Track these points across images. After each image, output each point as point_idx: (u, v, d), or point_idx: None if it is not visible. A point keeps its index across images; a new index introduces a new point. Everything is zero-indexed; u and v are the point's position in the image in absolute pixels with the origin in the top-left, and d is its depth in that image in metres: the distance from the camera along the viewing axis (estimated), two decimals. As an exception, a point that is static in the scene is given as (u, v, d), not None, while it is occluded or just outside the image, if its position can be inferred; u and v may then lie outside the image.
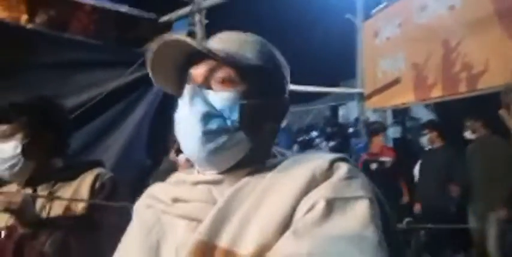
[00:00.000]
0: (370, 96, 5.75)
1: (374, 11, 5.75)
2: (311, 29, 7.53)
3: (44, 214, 1.25)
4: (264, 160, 0.67)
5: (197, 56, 0.65)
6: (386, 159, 4.22)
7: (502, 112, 1.47)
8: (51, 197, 1.24)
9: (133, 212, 0.73)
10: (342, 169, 0.62)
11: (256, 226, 0.57)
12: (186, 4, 2.83)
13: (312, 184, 0.59)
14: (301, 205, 0.57)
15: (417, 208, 4.09)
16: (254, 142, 0.66)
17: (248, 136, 0.65)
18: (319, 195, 0.57)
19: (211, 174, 0.67)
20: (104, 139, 2.02)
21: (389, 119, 6.22)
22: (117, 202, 1.25)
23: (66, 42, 2.15)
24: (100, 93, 2.02)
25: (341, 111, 9.64)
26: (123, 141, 2.00)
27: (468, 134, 3.75)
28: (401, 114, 6.23)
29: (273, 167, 0.65)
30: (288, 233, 0.55)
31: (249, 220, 0.58)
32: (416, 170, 4.31)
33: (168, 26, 2.83)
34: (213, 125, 0.63)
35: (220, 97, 0.64)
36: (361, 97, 6.04)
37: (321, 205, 0.56)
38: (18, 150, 1.25)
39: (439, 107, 5.31)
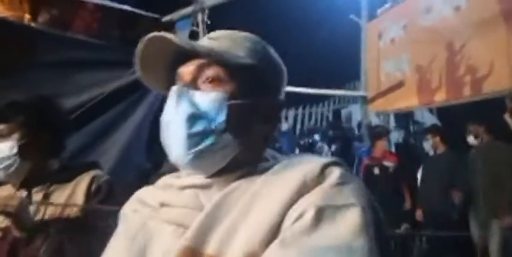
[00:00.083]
0: (373, 99, 5.72)
1: (379, 11, 5.72)
2: (315, 30, 7.52)
3: (39, 216, 1.23)
4: (255, 163, 0.64)
5: (186, 55, 0.62)
6: (389, 164, 4.19)
7: (507, 117, 1.44)
8: (46, 203, 1.22)
9: (121, 217, 0.70)
10: (334, 174, 0.59)
11: (244, 233, 0.55)
12: (188, 4, 2.82)
13: (302, 190, 0.56)
14: (291, 212, 0.55)
15: (419, 213, 4.06)
16: (243, 144, 0.63)
17: (236, 138, 0.62)
18: (309, 202, 0.55)
19: (199, 178, 0.64)
20: (104, 140, 2.00)
21: (392, 123, 6.19)
22: (113, 205, 1.23)
23: (67, 41, 2.13)
24: (100, 93, 2.00)
25: (344, 115, 9.61)
26: (122, 143, 1.98)
27: (471, 139, 3.71)
28: (404, 118, 6.20)
29: (263, 171, 0.62)
30: (275, 243, 0.53)
31: (236, 227, 0.56)
32: (418, 175, 4.28)
33: (170, 26, 2.82)
34: (199, 127, 0.60)
35: (207, 98, 0.61)
36: (365, 100, 6.01)
37: (310, 213, 0.53)
38: (15, 150, 1.24)
39: (442, 111, 5.28)
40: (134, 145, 2.07)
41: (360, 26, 6.14)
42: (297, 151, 7.00)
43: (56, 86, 1.89)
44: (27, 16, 2.45)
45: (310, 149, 6.44)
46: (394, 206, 4.07)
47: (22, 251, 1.15)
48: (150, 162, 2.18)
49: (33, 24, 2.39)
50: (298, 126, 10.25)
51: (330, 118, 9.88)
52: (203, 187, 0.63)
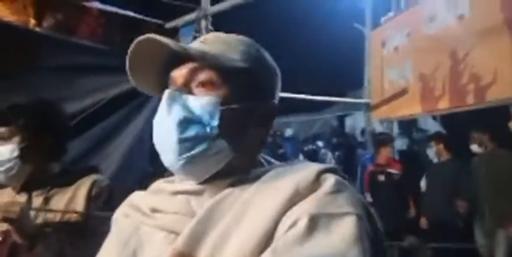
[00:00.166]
0: (376, 106, 5.71)
1: (382, 20, 5.73)
2: (319, 37, 7.54)
3: (40, 219, 1.23)
4: (249, 168, 0.63)
5: (179, 58, 0.61)
6: (394, 171, 4.17)
7: (512, 125, 1.43)
8: (46, 210, 1.22)
9: (113, 222, 0.69)
10: (329, 181, 0.57)
11: (237, 240, 0.53)
12: (192, 10, 2.84)
13: (296, 198, 0.55)
14: (284, 220, 0.53)
15: (423, 222, 4.02)
16: (237, 150, 0.62)
17: (230, 143, 0.61)
18: (303, 210, 0.53)
19: (190, 184, 0.63)
20: (106, 145, 2.00)
21: (396, 131, 6.17)
22: (113, 210, 1.22)
23: (71, 46, 2.14)
24: (103, 98, 2.01)
25: (348, 122, 9.59)
26: (125, 147, 1.97)
27: (474, 147, 3.69)
28: (407, 125, 6.18)
29: (256, 177, 0.60)
30: (267, 251, 0.51)
31: (229, 233, 0.54)
32: (422, 183, 4.25)
33: (174, 32, 2.83)
34: (191, 132, 0.58)
35: (200, 102, 0.60)
36: (368, 108, 6.00)
37: (303, 222, 0.52)
38: (15, 153, 1.24)
39: (446, 119, 5.26)
40: (137, 149, 2.07)
41: (363, 34, 6.16)
42: (301, 157, 6.99)
43: (59, 90, 1.90)
44: (32, 21, 2.47)
45: (314, 155, 6.42)
46: (398, 213, 4.05)
47: (23, 256, 1.15)
48: (153, 167, 2.17)
49: (37, 29, 2.41)
50: (302, 132, 10.24)
51: (334, 125, 9.86)
52: (195, 193, 0.62)
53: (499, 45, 3.48)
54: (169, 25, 2.88)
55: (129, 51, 0.61)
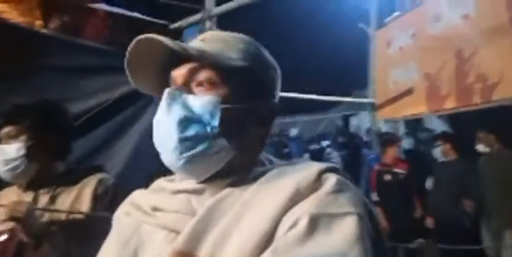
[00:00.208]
0: (381, 106, 5.69)
1: (387, 20, 5.72)
2: (324, 37, 7.53)
3: (46, 218, 1.24)
4: (250, 168, 0.63)
5: (179, 58, 0.61)
6: (400, 171, 4.15)
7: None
8: (51, 211, 1.23)
9: (114, 220, 0.69)
10: (330, 180, 0.56)
11: (237, 239, 0.53)
12: (196, 11, 2.85)
13: (296, 197, 0.55)
14: (284, 220, 0.53)
15: (429, 222, 4.00)
16: (237, 149, 0.61)
17: (230, 143, 0.60)
18: (303, 210, 0.53)
19: (191, 183, 0.63)
20: (111, 145, 2.01)
21: (401, 130, 6.14)
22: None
23: (76, 47, 2.16)
24: (108, 98, 2.02)
25: (353, 121, 9.57)
26: (130, 147, 1.98)
27: (480, 147, 3.66)
28: (413, 125, 6.15)
29: (257, 177, 0.60)
30: (267, 252, 0.51)
31: (230, 231, 0.54)
32: (428, 182, 4.23)
33: (179, 33, 2.85)
34: (191, 131, 0.58)
35: (200, 101, 0.59)
36: (373, 107, 5.99)
37: (303, 222, 0.51)
38: (22, 152, 1.26)
39: (452, 118, 5.23)
40: (142, 149, 2.08)
41: (368, 34, 6.14)
42: (306, 156, 6.98)
43: (64, 90, 1.92)
44: (38, 22, 2.50)
45: (319, 155, 6.41)
46: (404, 213, 4.04)
47: (30, 255, 1.16)
48: (158, 166, 2.18)
49: (44, 30, 2.44)
50: (307, 132, 10.22)
51: (339, 125, 9.84)
52: (195, 192, 0.62)
53: (505, 45, 3.46)
54: (173, 26, 2.89)
55: (127, 51, 0.61)
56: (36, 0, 2.55)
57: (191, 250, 0.54)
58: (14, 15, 2.53)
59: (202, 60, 0.60)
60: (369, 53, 6.13)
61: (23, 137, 1.27)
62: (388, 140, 4.44)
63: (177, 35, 2.83)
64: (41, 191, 1.29)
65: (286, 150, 6.59)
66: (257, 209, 0.55)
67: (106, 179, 1.34)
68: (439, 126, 5.76)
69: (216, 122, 0.59)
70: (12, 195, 1.31)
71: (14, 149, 1.25)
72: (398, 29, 5.36)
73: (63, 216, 1.25)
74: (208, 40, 0.64)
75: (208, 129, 0.59)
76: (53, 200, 1.27)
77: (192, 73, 0.61)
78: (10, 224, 1.20)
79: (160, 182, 0.68)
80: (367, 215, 0.55)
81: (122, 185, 1.37)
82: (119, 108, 2.01)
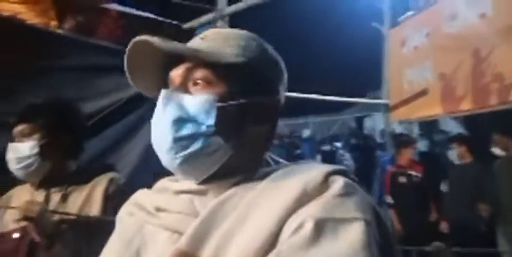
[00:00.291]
0: (395, 107, 5.61)
1: (401, 18, 5.65)
2: (337, 37, 7.47)
3: (57, 216, 1.25)
4: (253, 168, 0.61)
5: (178, 58, 0.61)
6: (415, 173, 4.09)
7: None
8: (62, 213, 1.23)
9: (117, 220, 0.69)
10: (338, 183, 0.55)
11: (242, 240, 0.52)
12: (209, 11, 2.85)
13: (302, 200, 0.53)
14: (289, 223, 0.51)
15: (444, 226, 3.93)
16: (236, 148, 0.60)
17: (228, 142, 0.59)
18: (309, 213, 0.51)
19: (195, 183, 0.62)
20: (123, 145, 2.02)
21: (416, 132, 6.06)
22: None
23: (90, 47, 2.18)
24: (121, 98, 2.03)
25: (367, 123, 9.49)
26: (141, 147, 1.98)
27: (497, 150, 3.58)
28: (428, 127, 6.06)
29: (262, 177, 0.59)
30: (271, 255, 0.50)
31: (233, 233, 0.53)
32: (444, 186, 4.16)
33: (191, 33, 2.85)
34: (186, 131, 0.58)
35: (196, 101, 0.59)
36: (387, 108, 5.92)
37: (309, 226, 0.50)
38: (35, 150, 1.27)
39: (468, 120, 5.13)
40: (152, 150, 2.08)
41: (381, 33, 6.07)
42: (318, 158, 6.94)
43: (77, 90, 1.93)
44: (53, 23, 2.53)
45: (332, 156, 6.37)
46: (419, 216, 3.98)
47: (42, 255, 1.17)
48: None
49: (59, 31, 2.47)
50: (320, 133, 10.17)
51: (352, 126, 9.77)
52: (199, 192, 0.61)
53: (524, 44, 3.38)
54: (186, 26, 2.90)
55: (126, 54, 0.61)
56: (50, 1, 2.58)
57: (194, 251, 0.53)
58: (30, 16, 2.56)
59: (197, 59, 0.60)
60: (383, 52, 6.06)
61: (37, 136, 1.29)
62: (403, 141, 4.38)
63: (189, 35, 2.84)
64: (53, 189, 1.30)
65: (298, 151, 6.56)
66: (262, 210, 0.54)
67: (117, 178, 1.35)
68: (454, 128, 5.66)
69: (211, 121, 0.58)
70: (25, 193, 1.32)
71: (28, 147, 1.27)
72: (412, 28, 5.29)
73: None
74: (206, 38, 0.64)
75: (203, 128, 0.58)
76: (64, 198, 1.28)
77: (188, 73, 0.61)
78: (22, 224, 1.21)
79: (163, 182, 0.68)
80: (375, 220, 0.53)
81: (132, 184, 1.37)
82: (131, 108, 2.01)
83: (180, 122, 0.58)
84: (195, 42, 0.64)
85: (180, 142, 0.58)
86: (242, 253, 0.51)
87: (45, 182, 1.31)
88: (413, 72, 5.23)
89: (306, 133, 8.68)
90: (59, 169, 1.33)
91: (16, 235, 1.22)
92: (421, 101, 5.00)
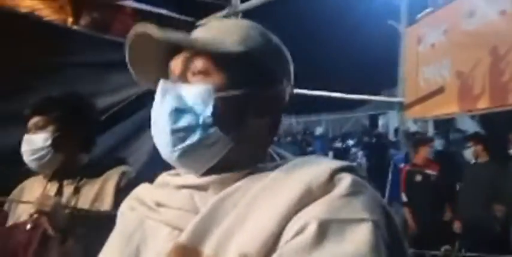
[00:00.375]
0: (411, 105, 5.54)
1: (418, 16, 5.55)
2: (353, 34, 7.41)
3: (71, 206, 1.26)
4: (256, 163, 0.59)
5: (178, 48, 0.59)
6: (432, 172, 4.04)
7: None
8: (74, 209, 1.25)
9: (118, 215, 0.68)
10: (345, 181, 0.51)
11: (242, 239, 0.50)
12: (222, 7, 2.85)
13: (306, 199, 0.50)
14: (291, 224, 0.49)
15: (457, 226, 3.87)
16: (236, 140, 0.58)
17: (227, 134, 0.57)
18: (312, 215, 0.48)
19: (195, 178, 0.60)
20: (135, 139, 2.04)
21: (431, 131, 5.97)
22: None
23: (105, 43, 2.20)
24: (132, 94, 2.05)
25: (381, 121, 9.38)
26: (151, 143, 2.00)
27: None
28: (444, 125, 5.97)
29: (265, 173, 0.56)
30: None
31: (233, 233, 0.51)
32: (460, 185, 4.10)
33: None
34: (183, 122, 0.56)
35: (194, 91, 0.57)
36: (402, 106, 5.84)
37: (312, 228, 0.47)
38: (48, 142, 1.29)
39: (485, 119, 5.03)
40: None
41: (398, 31, 5.99)
42: (331, 155, 6.90)
43: (92, 85, 1.96)
44: (69, 19, 2.57)
45: (344, 154, 6.33)
46: (434, 216, 3.93)
47: (55, 249, 1.19)
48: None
49: (75, 27, 2.51)
50: (333, 131, 10.11)
51: (366, 124, 9.68)
52: (199, 187, 0.59)
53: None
54: (200, 23, 2.90)
55: (126, 45, 0.60)
56: (67, -2, 2.62)
57: (195, 246, 0.52)
58: (48, 12, 2.61)
59: (194, 48, 0.58)
60: (399, 50, 5.98)
61: (50, 128, 1.31)
62: (420, 140, 4.33)
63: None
64: (65, 182, 1.32)
65: (310, 148, 6.54)
66: (262, 209, 0.51)
67: (129, 172, 1.36)
68: (471, 126, 5.56)
69: (208, 112, 0.56)
70: (37, 185, 1.34)
71: (41, 139, 1.29)
72: (430, 25, 5.20)
73: (86, 206, 1.27)
74: (206, 27, 0.62)
75: (201, 119, 0.56)
76: (77, 191, 1.30)
77: (187, 62, 0.59)
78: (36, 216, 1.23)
79: (164, 177, 0.66)
80: (384, 220, 0.50)
81: (142, 180, 1.38)
82: (142, 104, 2.03)
83: (177, 113, 0.56)
84: (196, 32, 0.62)
85: (178, 134, 0.56)
86: (242, 253, 0.49)
87: (58, 175, 1.33)
88: (430, 70, 5.15)
89: (319, 130, 8.63)
90: (71, 162, 1.35)
91: (29, 226, 1.24)
92: (437, 99, 4.92)
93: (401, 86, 5.95)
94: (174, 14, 2.87)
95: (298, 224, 0.48)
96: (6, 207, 1.36)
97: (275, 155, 0.63)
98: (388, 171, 4.87)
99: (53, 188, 1.31)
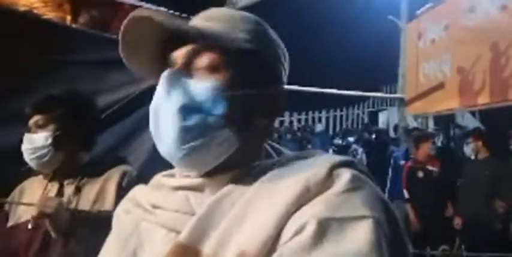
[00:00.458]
0: (411, 101, 5.54)
1: (419, 11, 5.54)
2: (352, 30, 7.38)
3: (72, 206, 1.26)
4: (253, 161, 0.57)
5: (181, 38, 0.55)
6: (433, 168, 4.04)
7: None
8: (75, 210, 1.24)
9: (114, 217, 0.65)
10: (344, 177, 0.49)
11: (240, 239, 0.49)
12: (222, 4, 2.84)
13: (304, 197, 0.48)
14: (290, 224, 0.47)
15: (457, 222, 3.88)
16: (242, 140, 0.55)
17: (235, 133, 0.54)
18: (311, 214, 0.46)
19: (191, 179, 0.58)
20: (136, 137, 2.03)
21: (431, 127, 5.97)
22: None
23: (104, 41, 2.19)
24: (131, 93, 2.04)
25: (381, 118, 9.38)
26: (151, 141, 1.99)
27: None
28: (444, 121, 5.96)
29: (261, 172, 0.54)
30: None
31: (231, 234, 0.49)
32: (460, 181, 4.10)
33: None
34: (193, 120, 0.52)
35: (203, 87, 0.53)
36: (402, 103, 5.83)
37: (311, 227, 0.45)
38: (49, 141, 1.28)
39: (486, 115, 5.03)
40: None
41: (398, 26, 5.97)
42: (331, 152, 6.90)
43: (92, 84, 1.95)
44: (68, 17, 2.56)
45: (345, 151, 6.32)
46: (436, 212, 3.94)
47: (56, 250, 1.18)
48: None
49: (74, 25, 2.50)
50: (332, 128, 10.11)
51: (366, 120, 9.68)
52: (195, 189, 0.57)
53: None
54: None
55: (121, 29, 0.55)
56: (65, -5, 2.61)
57: (195, 246, 0.51)
58: (46, 11, 2.60)
59: (204, 41, 0.54)
60: (399, 46, 5.97)
61: (51, 127, 1.30)
62: (421, 136, 4.32)
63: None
64: (66, 181, 1.31)
65: (309, 146, 6.53)
66: (260, 209, 0.50)
67: (130, 171, 1.35)
68: (471, 122, 5.56)
69: (220, 111, 0.53)
70: (38, 185, 1.34)
71: (42, 138, 1.28)
72: (430, 21, 5.19)
73: (87, 207, 1.27)
74: (210, 18, 0.57)
75: (211, 118, 0.53)
76: (78, 190, 1.29)
77: (193, 55, 0.55)
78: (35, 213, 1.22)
79: (159, 178, 0.64)
80: (385, 216, 0.48)
81: (145, 177, 1.37)
82: (142, 102, 2.02)
83: (187, 109, 0.53)
84: (198, 22, 0.57)
85: (186, 133, 0.52)
86: (241, 251, 0.47)
87: (58, 174, 1.32)
88: (430, 65, 5.14)
89: (319, 127, 8.62)
90: (72, 161, 1.34)
91: (30, 226, 1.24)
92: (438, 94, 4.93)
93: (401, 82, 5.95)
94: (172, 11, 2.86)
95: (297, 224, 0.47)
96: (6, 207, 1.35)
97: (271, 151, 0.61)
98: (388, 167, 4.87)
99: (53, 188, 1.31)
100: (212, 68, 0.55)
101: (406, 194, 4.11)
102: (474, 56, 4.19)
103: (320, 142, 7.38)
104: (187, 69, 0.55)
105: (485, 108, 4.37)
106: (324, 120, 10.23)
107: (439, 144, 5.55)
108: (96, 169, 1.33)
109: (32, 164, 1.29)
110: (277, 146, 0.63)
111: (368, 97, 8.53)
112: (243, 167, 0.56)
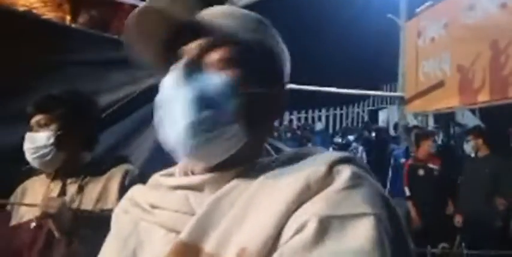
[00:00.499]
0: (411, 99, 5.54)
1: (418, 10, 5.54)
2: (352, 29, 7.38)
3: (75, 205, 1.26)
4: (255, 159, 0.57)
5: (191, 30, 0.55)
6: (434, 166, 4.05)
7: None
8: (78, 210, 1.25)
9: (113, 217, 0.65)
10: (344, 174, 0.49)
11: (240, 239, 0.48)
12: (222, 2, 2.84)
13: (305, 195, 0.48)
14: (291, 223, 0.47)
15: (458, 219, 3.89)
16: (249, 136, 0.55)
17: (244, 129, 0.55)
18: (312, 212, 0.46)
19: (190, 178, 0.58)
20: (136, 136, 2.03)
21: (431, 125, 5.97)
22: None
23: (104, 41, 2.19)
24: (132, 92, 2.04)
25: (381, 116, 9.39)
26: (152, 141, 1.99)
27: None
28: (444, 119, 5.97)
29: (261, 170, 0.54)
30: None
31: (231, 233, 0.49)
32: (461, 179, 4.12)
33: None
34: (205, 113, 0.52)
35: (216, 81, 0.53)
36: (402, 101, 5.84)
37: (312, 225, 0.45)
38: (51, 140, 1.29)
39: (486, 113, 5.03)
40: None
41: (397, 24, 5.98)
42: (331, 150, 6.90)
43: (93, 83, 1.95)
44: (67, 17, 2.56)
45: (345, 149, 6.33)
46: (437, 210, 3.95)
47: (60, 249, 1.19)
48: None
49: (73, 25, 2.50)
50: (332, 126, 10.12)
51: (366, 119, 9.69)
52: (194, 188, 0.57)
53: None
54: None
55: (131, 18, 0.55)
56: (65, -5, 2.61)
57: (196, 244, 0.51)
58: (45, 11, 2.60)
59: (220, 36, 0.54)
60: (399, 44, 5.98)
61: (53, 126, 1.30)
62: (422, 134, 4.33)
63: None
64: (69, 180, 1.32)
65: (309, 144, 6.54)
66: (261, 208, 0.50)
67: (132, 170, 1.36)
68: (471, 120, 5.56)
69: (230, 106, 0.53)
70: (40, 185, 1.34)
71: (44, 137, 1.29)
72: (429, 19, 5.19)
73: (90, 206, 1.27)
74: (220, 15, 0.57)
75: (223, 113, 0.53)
76: (81, 189, 1.30)
77: (207, 49, 0.55)
78: (38, 212, 1.23)
79: (158, 178, 0.64)
80: (386, 213, 0.48)
81: (147, 176, 1.37)
82: (144, 101, 2.02)
83: (200, 101, 0.52)
84: (210, 18, 0.56)
85: (200, 124, 0.52)
86: (242, 253, 0.47)
87: (61, 173, 1.33)
88: (430, 64, 5.15)
89: (319, 125, 8.63)
90: (74, 160, 1.34)
91: (33, 225, 1.24)
92: (437, 92, 4.93)
93: (401, 81, 5.95)
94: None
95: (297, 222, 0.46)
96: (9, 207, 1.36)
97: (271, 149, 0.62)
98: (388, 166, 4.88)
99: (56, 187, 1.31)
100: (224, 64, 0.55)
101: (407, 192, 4.12)
102: (474, 54, 4.19)
103: (320, 140, 7.39)
104: (199, 62, 0.55)
105: (485, 106, 4.37)
106: (323, 118, 10.24)
107: (440, 142, 5.56)
108: (98, 168, 1.34)
109: (34, 163, 1.30)
110: (276, 143, 0.65)
111: (368, 96, 8.54)
112: (246, 164, 0.56)
